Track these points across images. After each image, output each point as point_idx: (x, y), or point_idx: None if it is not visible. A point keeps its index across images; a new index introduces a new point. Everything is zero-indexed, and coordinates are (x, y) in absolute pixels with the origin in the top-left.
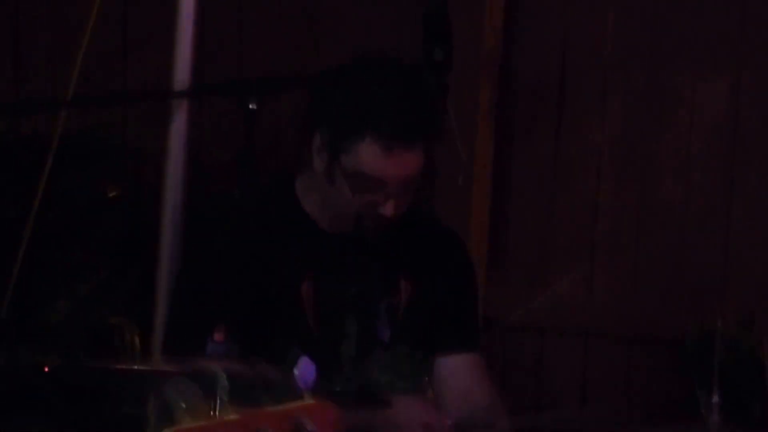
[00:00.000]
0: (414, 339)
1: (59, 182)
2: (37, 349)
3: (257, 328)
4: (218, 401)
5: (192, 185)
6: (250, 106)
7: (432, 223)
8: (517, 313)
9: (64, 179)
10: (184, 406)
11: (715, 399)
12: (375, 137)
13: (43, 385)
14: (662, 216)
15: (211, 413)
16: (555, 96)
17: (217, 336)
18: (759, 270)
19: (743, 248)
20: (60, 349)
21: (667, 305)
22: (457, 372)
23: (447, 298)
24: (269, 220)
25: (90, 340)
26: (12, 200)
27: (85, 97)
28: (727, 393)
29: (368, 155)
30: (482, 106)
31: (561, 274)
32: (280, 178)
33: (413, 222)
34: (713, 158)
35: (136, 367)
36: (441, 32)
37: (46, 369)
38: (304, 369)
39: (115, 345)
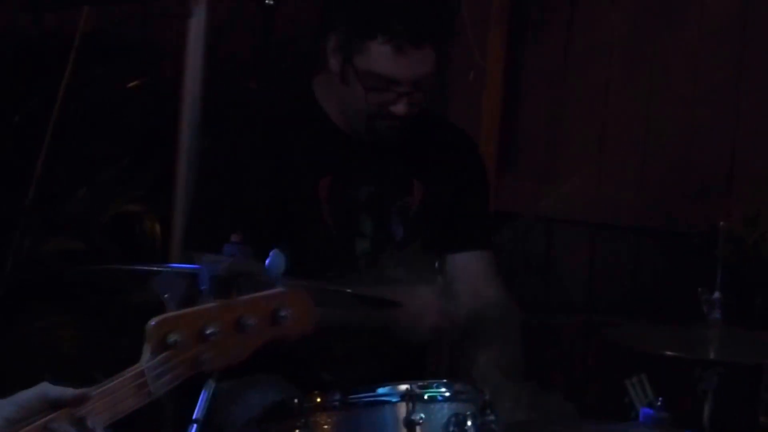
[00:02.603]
0: (426, 237)
1: (80, 76)
2: (60, 236)
3: (275, 226)
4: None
5: (210, 78)
6: (267, 2)
7: (444, 126)
8: (526, 206)
9: (85, 73)
10: (167, 296)
11: (717, 295)
12: (386, 37)
13: (65, 273)
14: (670, 112)
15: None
16: None
17: (234, 237)
18: (764, 167)
19: (750, 145)
20: (81, 236)
21: (674, 200)
22: (468, 268)
23: (458, 197)
24: (288, 118)
25: (110, 227)
26: (35, 93)
27: None
28: (729, 289)
29: (379, 55)
30: (495, 4)
31: (570, 170)
32: (298, 77)
33: (426, 125)
34: (722, 54)
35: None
36: None
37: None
38: (274, 260)
39: (135, 232)
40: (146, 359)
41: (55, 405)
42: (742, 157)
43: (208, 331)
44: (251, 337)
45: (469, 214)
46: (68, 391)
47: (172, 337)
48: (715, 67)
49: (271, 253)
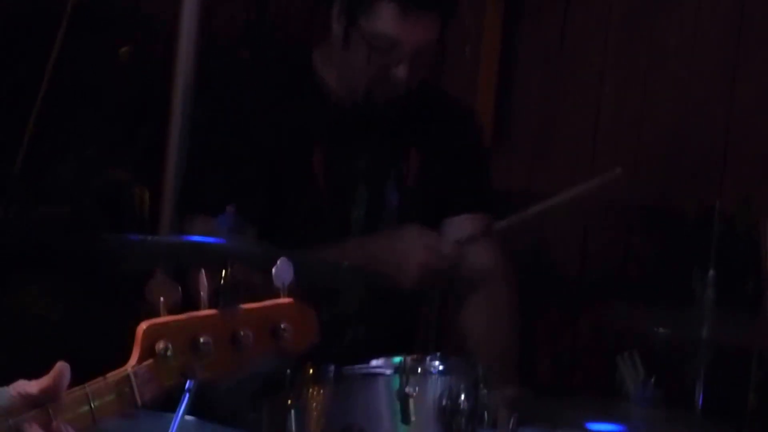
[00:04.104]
0: (421, 204)
1: (71, 44)
2: (48, 204)
3: (270, 195)
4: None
5: (204, 49)
6: None
7: (439, 94)
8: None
9: (76, 43)
10: (162, 300)
11: (711, 275)
12: None
13: (53, 241)
14: (665, 92)
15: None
16: None
17: (228, 209)
18: (758, 150)
19: (744, 128)
20: (69, 204)
21: (669, 180)
22: (463, 231)
23: (454, 164)
24: (283, 88)
25: (99, 197)
26: (25, 62)
27: None
28: (722, 270)
29: (386, 16)
30: None
31: (564, 148)
32: (295, 48)
33: (423, 94)
34: (718, 36)
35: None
36: None
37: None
38: (282, 268)
39: (124, 203)
40: (132, 364)
41: (32, 401)
42: (736, 137)
43: (201, 341)
44: (247, 351)
45: (465, 179)
46: (43, 381)
47: (163, 344)
48: (710, 47)
49: (279, 261)
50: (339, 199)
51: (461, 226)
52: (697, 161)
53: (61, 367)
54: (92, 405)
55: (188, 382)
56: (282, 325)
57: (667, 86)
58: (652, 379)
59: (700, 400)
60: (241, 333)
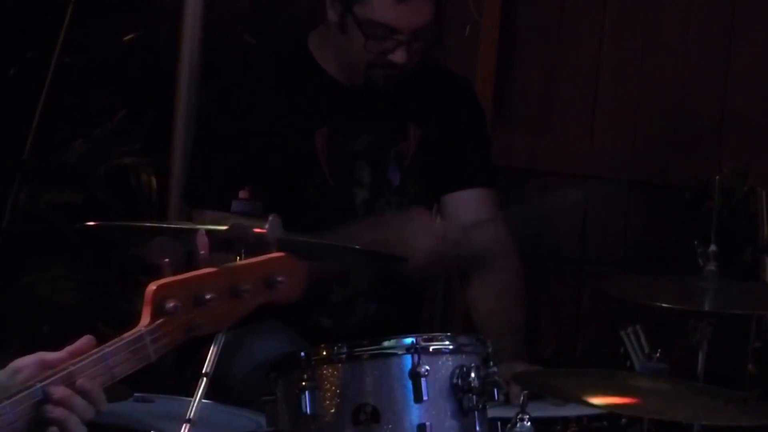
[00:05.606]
0: (423, 180)
1: (78, 29)
2: (57, 188)
3: (275, 179)
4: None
5: (208, 32)
6: None
7: (441, 71)
8: (521, 158)
9: (83, 26)
10: (167, 260)
11: (713, 248)
12: None
13: (64, 224)
14: (662, 66)
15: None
16: None
17: (242, 194)
18: (755, 121)
19: (740, 99)
20: (78, 188)
21: (666, 153)
22: (466, 205)
23: (454, 137)
24: (284, 72)
25: (107, 179)
26: (33, 46)
27: None
28: (720, 239)
29: (380, 3)
30: None
31: (564, 124)
32: (293, 33)
33: (423, 70)
34: (713, 9)
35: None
36: None
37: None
38: (273, 224)
39: (132, 184)
40: (145, 324)
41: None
42: (732, 110)
43: (207, 297)
44: (245, 302)
45: (466, 152)
46: (64, 354)
47: (171, 303)
48: (706, 22)
49: (269, 218)
50: (342, 181)
51: (465, 202)
52: (695, 135)
53: (88, 339)
54: (109, 364)
55: (205, 366)
56: (277, 277)
57: (664, 61)
58: (657, 353)
59: (702, 369)
60: (241, 286)
